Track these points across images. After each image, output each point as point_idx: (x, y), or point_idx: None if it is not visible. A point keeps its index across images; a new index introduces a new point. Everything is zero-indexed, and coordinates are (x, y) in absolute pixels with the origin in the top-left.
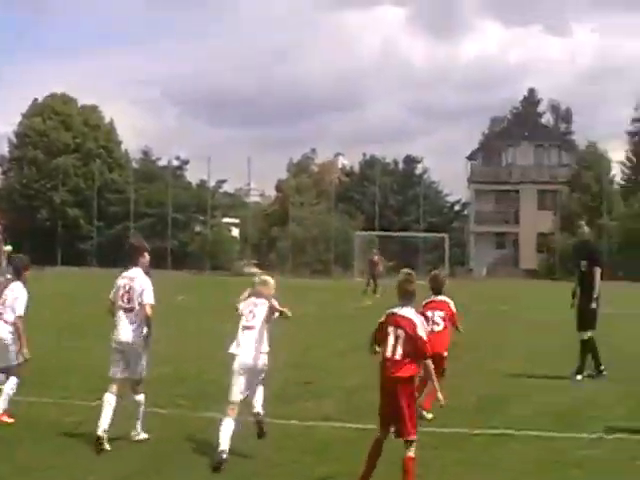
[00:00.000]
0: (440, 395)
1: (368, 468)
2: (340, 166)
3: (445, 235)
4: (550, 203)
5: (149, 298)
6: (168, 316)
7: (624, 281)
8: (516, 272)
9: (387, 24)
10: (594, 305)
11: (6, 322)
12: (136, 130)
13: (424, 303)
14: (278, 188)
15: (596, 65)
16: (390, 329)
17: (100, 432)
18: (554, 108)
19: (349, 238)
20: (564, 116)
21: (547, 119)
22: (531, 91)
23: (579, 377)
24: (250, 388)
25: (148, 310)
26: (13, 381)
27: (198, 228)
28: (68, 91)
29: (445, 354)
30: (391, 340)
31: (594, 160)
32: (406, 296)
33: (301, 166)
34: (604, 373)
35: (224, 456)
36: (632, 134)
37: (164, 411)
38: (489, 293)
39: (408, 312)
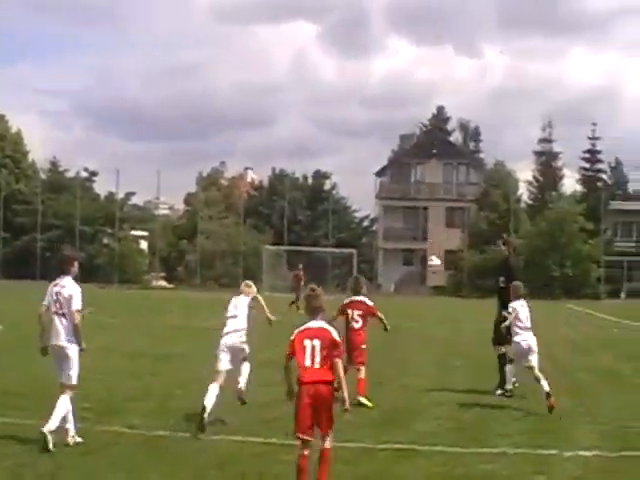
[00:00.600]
0: (345, 394)
1: None
2: (249, 180)
3: (353, 251)
4: (458, 221)
5: (77, 304)
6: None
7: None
8: (423, 289)
9: (298, 40)
10: (505, 322)
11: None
12: (44, 142)
13: (345, 302)
14: (187, 201)
15: (505, 86)
16: (306, 342)
17: (45, 429)
18: (463, 127)
19: (258, 252)
20: (473, 135)
21: (456, 137)
22: (440, 109)
23: (499, 392)
24: (234, 363)
25: (76, 316)
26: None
27: (106, 240)
28: None
29: (364, 347)
30: (308, 351)
31: (502, 179)
32: (314, 311)
33: (210, 180)
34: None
35: (206, 416)
36: (539, 154)
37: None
38: (396, 309)
39: (319, 324)
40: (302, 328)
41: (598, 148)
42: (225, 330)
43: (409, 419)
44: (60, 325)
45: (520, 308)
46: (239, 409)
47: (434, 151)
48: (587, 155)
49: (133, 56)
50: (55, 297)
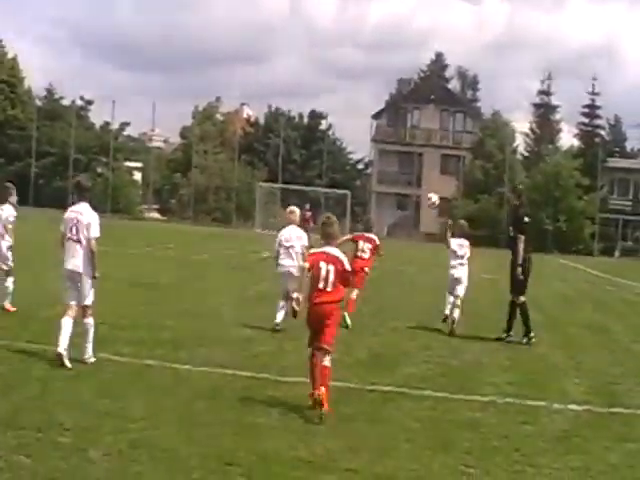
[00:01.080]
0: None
1: (313, 379)
2: (245, 116)
3: (348, 192)
4: (453, 168)
5: (95, 232)
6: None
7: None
8: (416, 235)
9: None
10: (519, 271)
11: (82, 248)
12: (41, 68)
13: (356, 234)
14: (182, 135)
15: (505, 35)
16: (322, 264)
17: (60, 350)
18: (461, 74)
19: (251, 189)
20: (471, 83)
21: (454, 85)
22: (439, 55)
23: (532, 338)
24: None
25: (93, 243)
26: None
27: (100, 170)
28: None
29: (367, 270)
30: (323, 274)
31: (498, 129)
32: (329, 237)
33: (206, 114)
34: (508, 339)
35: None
36: (537, 106)
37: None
38: (388, 253)
39: (335, 251)
40: (320, 250)
41: (597, 104)
42: (282, 259)
43: (398, 362)
44: (76, 251)
45: (456, 246)
46: (227, 343)
47: (432, 97)
48: (586, 110)
49: None
50: (72, 223)
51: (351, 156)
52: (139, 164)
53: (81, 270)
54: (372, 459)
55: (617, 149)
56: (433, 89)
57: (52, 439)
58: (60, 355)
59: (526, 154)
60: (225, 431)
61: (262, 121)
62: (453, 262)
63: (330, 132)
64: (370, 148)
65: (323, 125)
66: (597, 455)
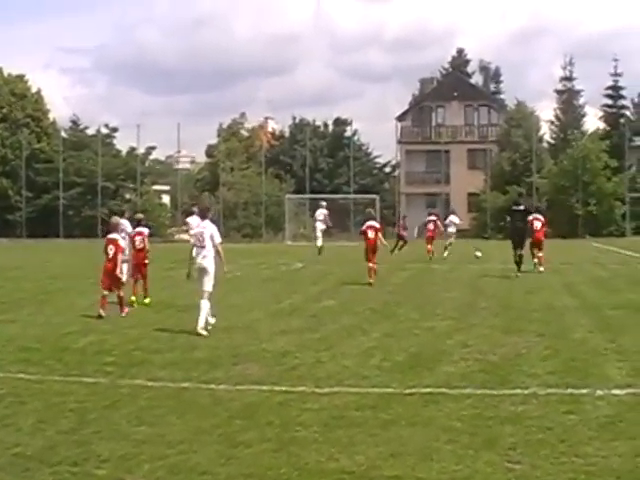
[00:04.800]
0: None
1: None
2: (270, 130)
3: (376, 196)
4: (480, 162)
5: (217, 238)
6: (95, 285)
7: (554, 238)
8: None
9: None
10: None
11: (207, 252)
12: (67, 99)
13: (366, 225)
14: (208, 153)
15: (527, 24)
16: (369, 230)
17: (199, 329)
18: (483, 68)
19: (280, 202)
20: (493, 76)
21: (476, 79)
22: (460, 51)
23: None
24: None
25: (219, 246)
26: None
27: (128, 196)
28: None
29: (378, 243)
30: (371, 233)
31: (523, 119)
32: (370, 218)
33: (231, 130)
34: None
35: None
36: (560, 92)
37: (90, 379)
38: (420, 252)
39: (374, 223)
40: (368, 224)
41: (621, 84)
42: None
43: (436, 362)
44: (202, 254)
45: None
46: (262, 358)
47: (455, 93)
48: (609, 92)
49: (152, 9)
50: (200, 235)
51: (378, 160)
52: (167, 187)
53: (207, 267)
54: (415, 464)
55: None
56: (456, 85)
57: (88, 472)
58: (198, 333)
59: (552, 141)
60: (265, 448)
61: (287, 133)
62: None
63: (355, 138)
64: (396, 150)
65: (348, 132)
66: None
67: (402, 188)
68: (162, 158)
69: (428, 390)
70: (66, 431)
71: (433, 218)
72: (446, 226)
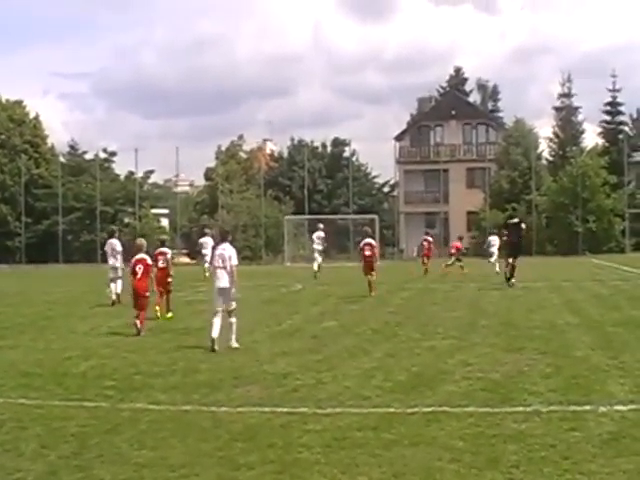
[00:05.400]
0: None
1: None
2: (268, 152)
3: (375, 217)
4: (479, 181)
5: (235, 261)
6: (95, 309)
7: (554, 256)
8: (446, 251)
9: (315, 8)
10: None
11: (227, 272)
12: (66, 123)
13: (363, 243)
14: (207, 176)
15: (524, 43)
16: (366, 247)
17: (214, 336)
18: (481, 86)
19: (279, 223)
20: (491, 94)
21: (474, 98)
22: (457, 70)
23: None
24: None
25: (235, 268)
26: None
27: (127, 220)
28: None
29: (373, 258)
30: (367, 251)
31: (522, 136)
32: (367, 236)
33: (229, 153)
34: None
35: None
36: (559, 109)
37: (91, 404)
38: (418, 272)
39: (370, 240)
40: (365, 242)
41: (619, 100)
42: None
43: (438, 381)
44: (223, 274)
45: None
46: (263, 380)
47: (453, 112)
48: (608, 108)
49: (151, 33)
50: (220, 257)
51: (377, 180)
52: (166, 210)
53: (227, 286)
54: None
55: None
56: (454, 104)
57: None
58: (213, 340)
59: (551, 159)
60: (267, 470)
61: (286, 154)
62: None
63: (354, 158)
64: (395, 170)
65: (347, 152)
66: None
67: (401, 207)
68: (160, 182)
69: (430, 409)
70: (67, 456)
71: (429, 239)
72: (489, 246)
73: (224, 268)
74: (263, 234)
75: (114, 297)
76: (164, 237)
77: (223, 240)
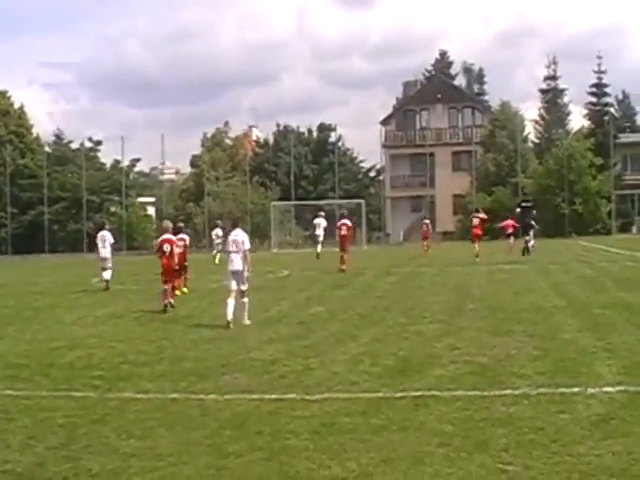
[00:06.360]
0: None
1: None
2: (254, 138)
3: (362, 201)
4: (465, 164)
5: (247, 245)
6: (81, 299)
7: (540, 238)
8: (433, 235)
9: None
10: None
11: (240, 256)
12: (51, 113)
13: (340, 222)
14: (193, 164)
15: (509, 26)
16: (342, 227)
17: (229, 318)
18: (466, 70)
19: (265, 210)
20: (477, 77)
21: (460, 81)
22: (443, 54)
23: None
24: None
25: (247, 252)
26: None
27: (113, 209)
28: None
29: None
30: (343, 230)
31: (508, 119)
32: (342, 217)
33: (215, 140)
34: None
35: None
36: (545, 92)
37: (79, 394)
38: (407, 256)
39: (346, 220)
40: (341, 222)
41: (605, 82)
42: None
43: (426, 366)
44: (236, 258)
45: None
46: (251, 367)
47: (438, 96)
48: (594, 89)
49: (134, 22)
50: (233, 242)
51: (363, 164)
52: (152, 199)
53: (240, 269)
54: (407, 468)
55: (628, 124)
56: (439, 88)
57: None
58: (229, 322)
59: (537, 141)
60: (255, 458)
61: (271, 140)
62: None
63: (340, 143)
64: (381, 154)
65: (332, 137)
66: (637, 436)
67: (387, 192)
68: (146, 170)
69: (418, 394)
70: (55, 446)
71: (427, 222)
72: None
73: (237, 252)
74: (249, 221)
75: (104, 284)
76: (181, 224)
77: (234, 226)
